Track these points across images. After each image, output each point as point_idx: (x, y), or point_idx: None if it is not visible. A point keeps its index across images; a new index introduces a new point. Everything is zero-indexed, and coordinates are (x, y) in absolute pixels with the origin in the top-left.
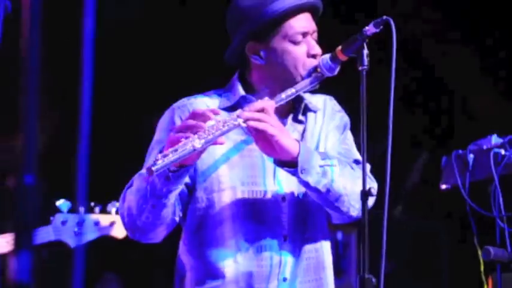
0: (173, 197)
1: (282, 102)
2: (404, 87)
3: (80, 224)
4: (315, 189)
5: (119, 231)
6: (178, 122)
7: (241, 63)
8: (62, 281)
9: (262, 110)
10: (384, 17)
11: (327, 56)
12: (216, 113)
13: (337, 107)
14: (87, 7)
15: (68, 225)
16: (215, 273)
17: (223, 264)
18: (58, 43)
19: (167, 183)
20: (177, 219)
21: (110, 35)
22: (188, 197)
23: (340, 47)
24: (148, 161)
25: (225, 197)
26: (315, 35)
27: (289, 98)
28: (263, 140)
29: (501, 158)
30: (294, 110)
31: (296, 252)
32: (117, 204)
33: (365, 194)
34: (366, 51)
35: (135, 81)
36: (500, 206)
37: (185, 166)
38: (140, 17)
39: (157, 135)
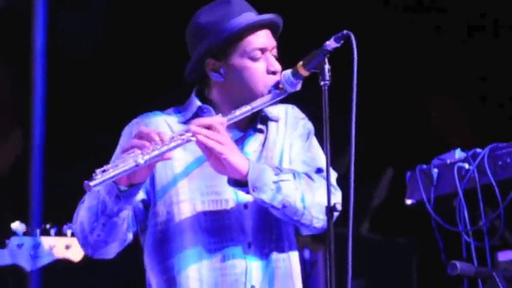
0: (125, 215)
1: (235, 120)
2: (367, 103)
3: (36, 247)
4: (271, 206)
5: (75, 254)
6: None
7: (200, 80)
8: None
9: (210, 127)
10: (345, 31)
11: (289, 71)
12: (161, 137)
13: (300, 114)
14: (38, 26)
15: (23, 248)
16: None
17: (187, 277)
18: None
19: (118, 201)
20: (130, 236)
21: (64, 54)
22: (145, 213)
23: (301, 62)
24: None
25: (185, 208)
26: (275, 51)
27: (244, 115)
28: (214, 157)
29: (465, 172)
30: (254, 121)
31: (263, 259)
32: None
33: (330, 209)
34: (327, 66)
35: (90, 100)
36: (466, 220)
37: (135, 185)
38: (97, 35)
39: (116, 152)
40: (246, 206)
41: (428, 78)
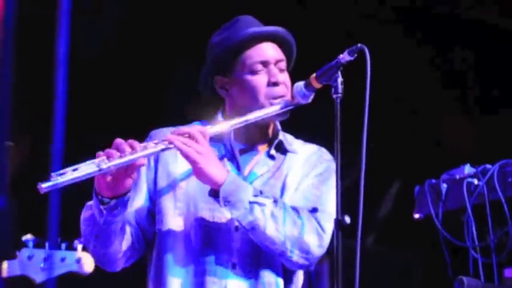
0: (117, 227)
1: (218, 131)
2: (377, 116)
3: (46, 259)
4: (240, 225)
5: (85, 268)
6: None
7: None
8: None
9: (189, 136)
10: (359, 44)
11: (301, 83)
12: (133, 146)
13: (328, 156)
14: (61, 29)
15: (34, 260)
16: None
17: None
18: (31, 65)
19: (102, 214)
20: (138, 247)
21: (87, 58)
22: (151, 220)
23: (314, 75)
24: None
25: (179, 221)
26: (282, 64)
27: (236, 126)
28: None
29: (474, 187)
30: (270, 145)
31: (248, 282)
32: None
33: (338, 223)
34: (340, 79)
35: (110, 110)
36: (474, 235)
37: (118, 197)
38: (116, 41)
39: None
40: (237, 227)
41: (439, 93)
